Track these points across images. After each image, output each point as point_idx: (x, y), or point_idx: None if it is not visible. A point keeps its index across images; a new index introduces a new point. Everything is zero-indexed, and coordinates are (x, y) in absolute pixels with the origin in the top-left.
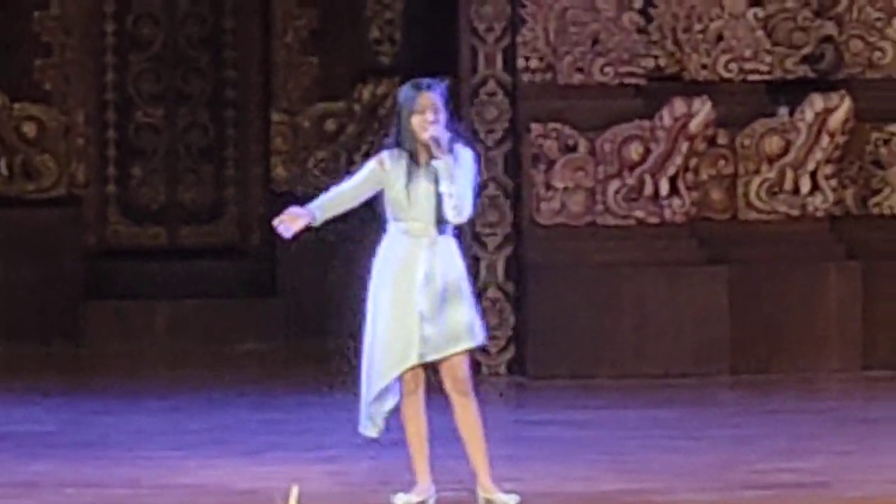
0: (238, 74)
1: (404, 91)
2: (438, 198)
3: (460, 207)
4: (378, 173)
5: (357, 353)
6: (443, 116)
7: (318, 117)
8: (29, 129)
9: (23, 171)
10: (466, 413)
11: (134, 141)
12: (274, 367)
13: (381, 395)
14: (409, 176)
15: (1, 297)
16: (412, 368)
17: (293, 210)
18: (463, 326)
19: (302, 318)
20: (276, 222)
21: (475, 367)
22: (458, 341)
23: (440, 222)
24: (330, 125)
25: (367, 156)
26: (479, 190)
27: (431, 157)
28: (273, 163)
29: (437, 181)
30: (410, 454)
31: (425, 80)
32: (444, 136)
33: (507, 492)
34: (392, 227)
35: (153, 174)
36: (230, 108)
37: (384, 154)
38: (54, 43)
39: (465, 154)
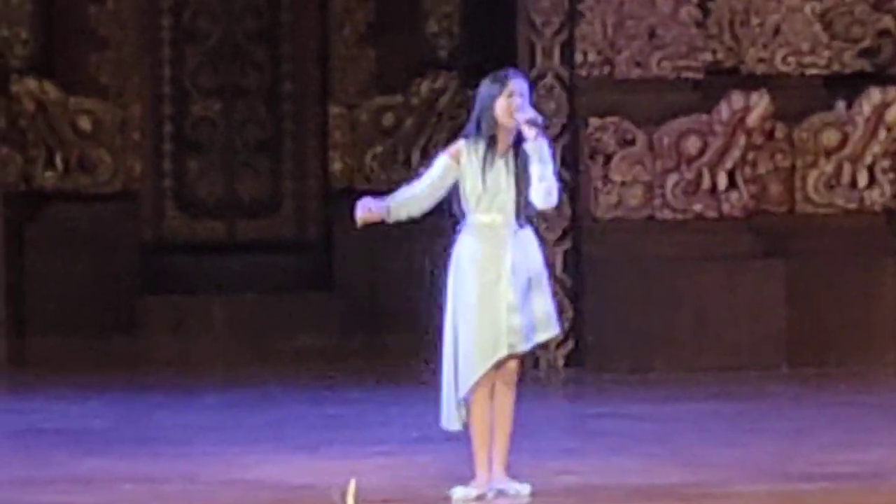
0: (295, 68)
1: (486, 81)
2: (518, 188)
3: (550, 190)
4: (452, 167)
5: (431, 347)
6: (528, 103)
7: (375, 111)
8: (85, 123)
9: (79, 165)
10: (505, 402)
11: (190, 135)
12: (330, 362)
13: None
14: (486, 165)
15: (58, 292)
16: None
17: (367, 201)
18: (546, 316)
19: (359, 313)
20: (358, 212)
21: (534, 360)
22: (543, 330)
23: (519, 214)
24: (388, 119)
25: (424, 150)
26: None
27: (511, 145)
28: (330, 157)
29: (516, 170)
30: (474, 446)
31: (512, 69)
32: (539, 117)
33: (522, 482)
34: (470, 221)
35: (210, 168)
36: (287, 102)
37: (459, 144)
38: (110, 37)
39: (542, 143)
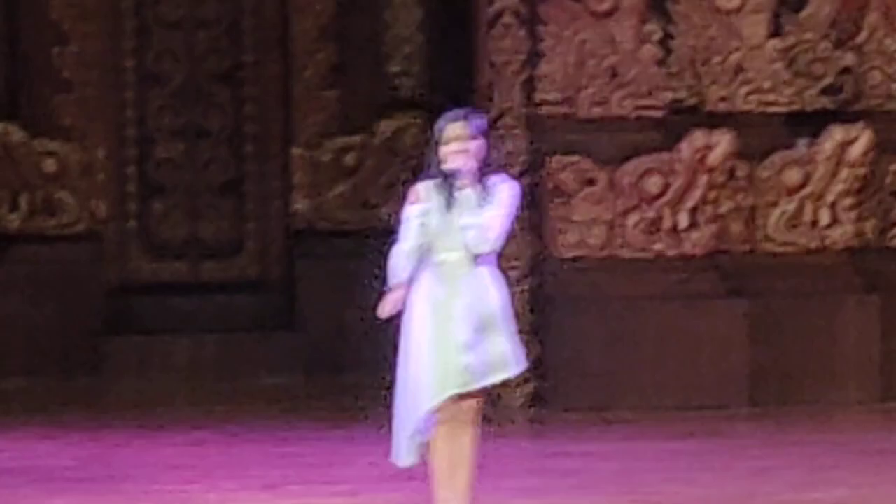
0: (258, 109)
1: (437, 122)
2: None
3: (480, 238)
4: (423, 210)
5: (388, 385)
6: (473, 146)
7: (337, 151)
8: (49, 165)
9: (43, 206)
10: (466, 441)
11: (154, 176)
12: (294, 401)
13: (419, 424)
14: (443, 207)
15: (22, 332)
16: (453, 398)
17: (393, 297)
18: (504, 355)
19: (321, 353)
20: (380, 312)
21: (495, 398)
22: (499, 370)
23: (476, 253)
24: (349, 159)
25: (386, 190)
26: None
27: (458, 189)
28: (293, 198)
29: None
30: (434, 485)
31: (459, 111)
32: (466, 166)
33: None
34: (430, 259)
35: (174, 209)
36: (250, 143)
37: (419, 188)
38: (74, 79)
39: (501, 186)
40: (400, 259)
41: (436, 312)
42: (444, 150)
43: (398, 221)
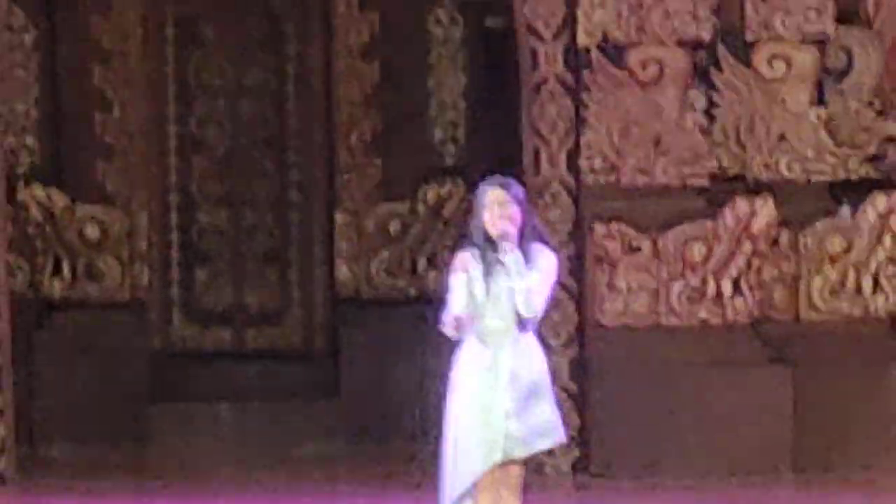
0: (301, 176)
1: (478, 189)
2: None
3: (529, 302)
4: (467, 279)
5: (435, 454)
6: (515, 212)
7: (381, 218)
8: (92, 232)
9: (86, 273)
10: None
11: (198, 243)
12: (338, 469)
13: (464, 494)
14: (487, 274)
15: (66, 399)
16: (497, 464)
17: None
18: (548, 423)
19: (366, 420)
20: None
21: (539, 466)
22: (544, 438)
23: (521, 320)
24: (394, 226)
25: (431, 257)
26: None
27: (503, 252)
28: (337, 265)
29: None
30: None
31: (498, 178)
32: (510, 231)
33: None
34: (475, 326)
35: (217, 277)
36: (294, 210)
37: (463, 255)
38: (117, 145)
39: (543, 254)
40: (451, 315)
41: (481, 379)
42: (486, 215)
43: (443, 289)
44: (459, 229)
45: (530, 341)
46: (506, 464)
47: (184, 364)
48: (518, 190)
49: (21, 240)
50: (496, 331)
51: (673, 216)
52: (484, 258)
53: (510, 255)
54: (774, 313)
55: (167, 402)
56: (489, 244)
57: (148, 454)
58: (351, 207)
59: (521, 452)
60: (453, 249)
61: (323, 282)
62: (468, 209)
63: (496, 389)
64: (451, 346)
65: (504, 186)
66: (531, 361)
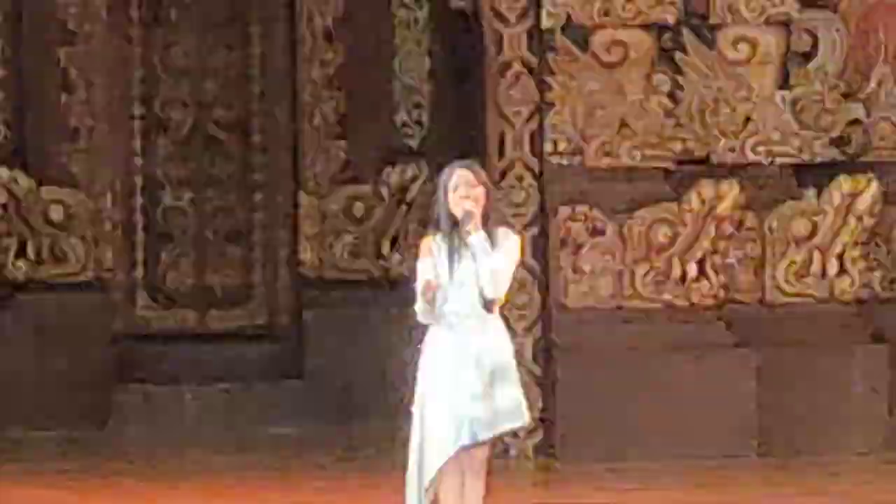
0: (266, 158)
1: (442, 172)
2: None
3: (494, 283)
4: (433, 262)
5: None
6: (480, 193)
7: (345, 200)
8: (56, 213)
9: (50, 255)
10: (474, 492)
11: (161, 225)
12: (302, 450)
13: (432, 474)
14: (452, 257)
15: (29, 381)
16: (464, 448)
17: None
18: (513, 405)
19: (330, 401)
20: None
21: (504, 449)
22: (509, 420)
23: (486, 302)
24: (358, 209)
25: (395, 239)
26: None
27: (467, 233)
28: (301, 247)
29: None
30: None
31: (461, 160)
32: (475, 210)
33: None
34: (441, 310)
35: (181, 258)
36: (258, 192)
37: (428, 240)
38: (81, 126)
39: (508, 235)
40: (423, 282)
41: (447, 361)
42: (451, 196)
43: (407, 270)
44: (423, 211)
45: (496, 323)
46: (471, 447)
47: (148, 345)
48: (481, 172)
49: None
50: (462, 313)
51: (638, 199)
52: (449, 241)
53: (475, 235)
54: (739, 296)
55: (131, 384)
56: (453, 226)
57: (112, 436)
58: (315, 189)
59: (486, 435)
60: (417, 232)
61: (287, 263)
62: (432, 191)
63: (463, 372)
64: (416, 328)
65: (468, 168)
66: (497, 343)
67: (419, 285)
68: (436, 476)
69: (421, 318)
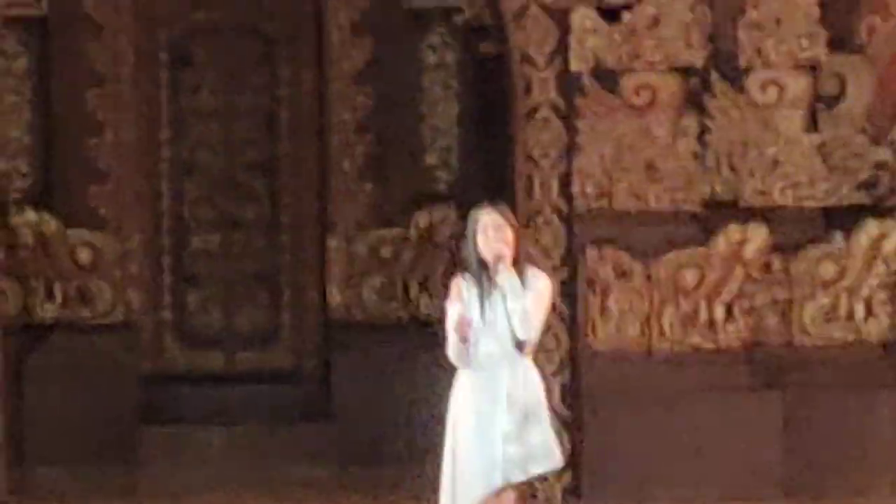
0: (294, 200)
1: (471, 214)
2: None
3: (526, 323)
4: (463, 306)
5: (426, 478)
6: (509, 235)
7: (373, 243)
8: (84, 255)
9: (78, 296)
10: None
11: (189, 267)
12: (329, 493)
13: None
14: (482, 299)
15: (57, 422)
16: (497, 490)
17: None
18: (545, 447)
19: (356, 444)
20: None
21: (532, 492)
22: (541, 461)
23: (518, 343)
24: (386, 251)
25: (423, 282)
26: None
27: (497, 274)
28: (328, 289)
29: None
30: None
31: (489, 203)
32: (505, 252)
33: None
34: (471, 351)
35: (209, 300)
36: (286, 234)
37: (458, 282)
38: (109, 169)
39: (537, 276)
40: (456, 318)
41: (479, 403)
42: (481, 239)
43: (435, 313)
44: (452, 254)
45: (527, 364)
46: (501, 489)
47: (175, 386)
48: (510, 213)
49: (13, 264)
50: (493, 354)
51: (665, 242)
52: (479, 283)
53: (506, 276)
54: (767, 339)
55: (158, 425)
56: (483, 269)
57: (138, 477)
58: (343, 232)
59: (518, 476)
60: (446, 274)
61: (314, 305)
62: (461, 234)
63: (494, 413)
64: (445, 371)
65: (496, 210)
66: (528, 384)
67: (451, 325)
68: None
69: (454, 361)
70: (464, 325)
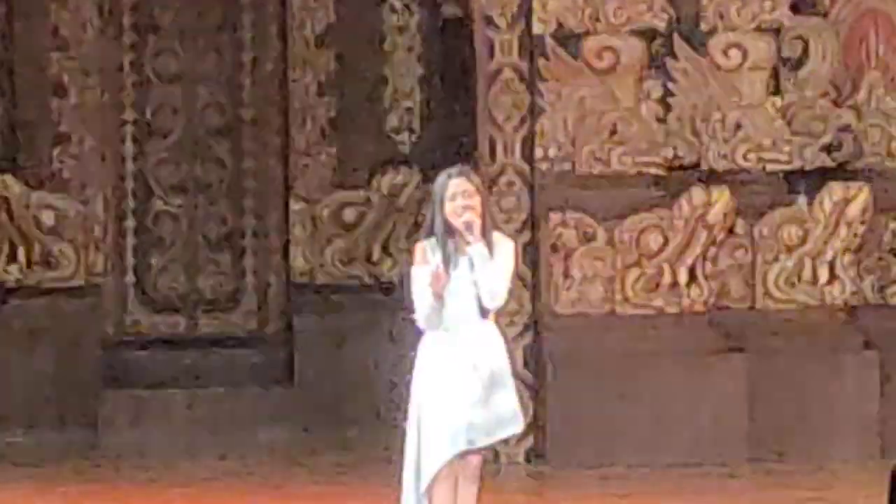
0: (257, 164)
1: (438, 179)
2: (477, 284)
3: (494, 292)
4: (428, 269)
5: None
6: (478, 202)
7: (336, 207)
8: (47, 218)
9: (41, 259)
10: (468, 497)
11: (153, 230)
12: (292, 456)
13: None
14: (447, 265)
15: (19, 385)
16: (461, 454)
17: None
18: (510, 412)
19: (320, 407)
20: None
21: (494, 455)
22: (506, 426)
23: (482, 309)
24: (349, 214)
25: (385, 245)
26: None
27: (467, 243)
28: (292, 252)
29: (473, 268)
30: None
31: (458, 167)
32: (476, 221)
33: None
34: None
35: (172, 263)
36: (249, 198)
37: (423, 245)
38: (72, 132)
39: (504, 243)
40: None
41: (444, 368)
42: (449, 205)
43: (398, 276)
44: (414, 217)
45: (491, 330)
46: (466, 453)
47: (138, 350)
48: (477, 179)
49: None
50: (458, 320)
51: (628, 205)
52: (443, 248)
53: (475, 246)
54: (730, 302)
55: (121, 388)
56: (448, 234)
57: (101, 440)
58: (306, 195)
59: (483, 441)
60: (412, 238)
61: (278, 268)
62: (423, 197)
63: (460, 378)
64: (408, 334)
65: (465, 175)
66: (493, 350)
67: (420, 287)
68: (430, 482)
69: (423, 324)
70: (438, 280)
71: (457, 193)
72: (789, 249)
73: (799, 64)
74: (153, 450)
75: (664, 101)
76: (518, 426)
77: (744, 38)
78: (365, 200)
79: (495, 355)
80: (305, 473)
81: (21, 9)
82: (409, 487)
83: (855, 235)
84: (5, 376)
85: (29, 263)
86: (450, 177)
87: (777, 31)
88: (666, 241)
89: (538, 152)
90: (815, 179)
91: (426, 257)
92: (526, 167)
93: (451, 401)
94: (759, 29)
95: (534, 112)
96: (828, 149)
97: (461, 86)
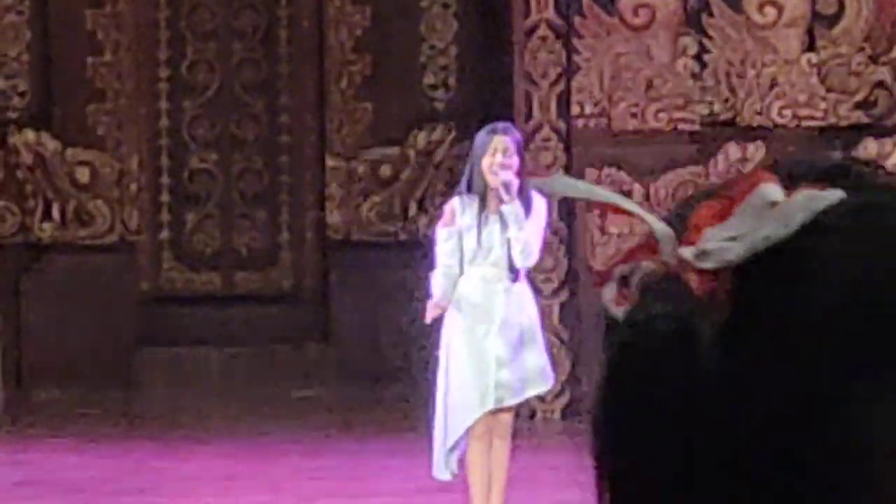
0: (292, 120)
1: (480, 134)
2: (510, 243)
3: (527, 252)
4: (454, 230)
5: (423, 397)
6: (515, 161)
7: (372, 163)
8: (82, 175)
9: (76, 217)
10: (500, 454)
11: (188, 186)
12: (327, 413)
13: (458, 440)
14: (481, 222)
15: (54, 343)
16: (489, 412)
17: (436, 305)
18: (537, 370)
19: (355, 364)
20: (427, 318)
21: (531, 412)
22: (533, 385)
23: (513, 268)
24: (384, 171)
25: (421, 202)
26: None
27: (501, 201)
28: (328, 209)
29: (505, 227)
30: (470, 497)
31: (501, 124)
32: (514, 180)
33: None
34: (466, 274)
35: (207, 220)
36: (285, 154)
37: (452, 204)
38: (108, 88)
39: (537, 201)
40: (438, 281)
41: (473, 327)
42: (486, 163)
43: (434, 234)
44: (450, 174)
45: (522, 288)
46: (497, 411)
47: (173, 307)
48: (518, 137)
49: (11, 184)
50: (488, 279)
51: (664, 161)
52: (479, 206)
53: (510, 205)
54: None
55: (156, 346)
56: (484, 191)
57: (136, 397)
58: (342, 151)
59: (512, 399)
60: (446, 194)
61: (313, 225)
62: (459, 154)
63: (488, 337)
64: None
65: (505, 133)
66: (523, 308)
67: (437, 252)
68: (462, 437)
69: (435, 293)
70: (433, 311)
71: (497, 150)
72: None
73: (834, 20)
74: (188, 407)
75: (699, 58)
76: (547, 384)
77: None
78: (400, 157)
79: (525, 314)
80: (340, 431)
81: None
82: (439, 444)
83: None
84: (40, 333)
85: (63, 221)
86: (492, 132)
87: None
88: None
89: (574, 109)
90: (849, 135)
91: (454, 218)
92: (562, 124)
93: (479, 361)
94: None
95: (570, 69)
96: (862, 105)
97: (497, 43)
